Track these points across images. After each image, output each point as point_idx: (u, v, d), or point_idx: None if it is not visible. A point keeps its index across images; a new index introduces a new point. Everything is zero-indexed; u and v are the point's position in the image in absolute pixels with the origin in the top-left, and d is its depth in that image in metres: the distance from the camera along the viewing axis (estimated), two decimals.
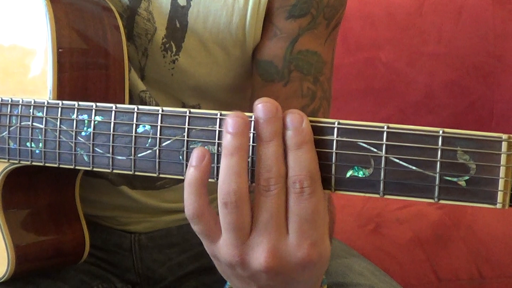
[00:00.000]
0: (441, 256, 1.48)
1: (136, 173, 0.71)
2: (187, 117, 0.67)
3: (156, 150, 0.69)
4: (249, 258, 0.63)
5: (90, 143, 0.74)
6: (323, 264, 0.65)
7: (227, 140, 0.61)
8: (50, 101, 0.79)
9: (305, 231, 0.62)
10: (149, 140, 0.70)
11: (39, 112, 0.79)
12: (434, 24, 1.90)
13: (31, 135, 0.80)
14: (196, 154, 0.63)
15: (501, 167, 0.56)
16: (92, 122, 0.74)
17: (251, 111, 0.64)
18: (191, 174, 0.63)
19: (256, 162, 0.62)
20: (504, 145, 0.56)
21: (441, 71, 1.89)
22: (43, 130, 0.78)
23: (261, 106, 0.62)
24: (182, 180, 1.02)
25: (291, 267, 0.63)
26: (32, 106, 0.80)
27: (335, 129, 0.61)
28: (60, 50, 0.83)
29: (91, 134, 0.74)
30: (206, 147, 0.66)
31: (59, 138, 0.77)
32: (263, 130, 0.61)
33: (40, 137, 0.79)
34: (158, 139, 0.69)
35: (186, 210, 0.63)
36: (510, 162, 0.56)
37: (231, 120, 0.62)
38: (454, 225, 1.55)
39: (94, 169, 0.75)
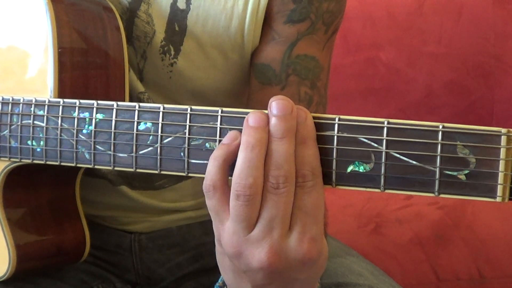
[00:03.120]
0: (441, 256, 1.48)
1: (138, 170, 0.71)
2: (188, 114, 0.67)
3: (157, 147, 0.69)
4: (248, 252, 0.63)
5: (91, 141, 0.74)
6: (321, 263, 0.65)
7: (249, 133, 0.62)
8: (51, 99, 0.79)
9: (306, 226, 0.62)
10: (150, 138, 0.70)
11: (40, 111, 0.79)
12: (434, 24, 1.90)
13: (32, 134, 0.80)
14: (229, 135, 0.64)
15: (500, 161, 0.56)
16: (93, 120, 0.74)
17: None
18: (219, 149, 0.64)
19: (266, 159, 0.62)
20: (503, 139, 0.56)
21: (441, 71, 1.89)
22: (44, 128, 0.78)
23: (275, 104, 0.62)
24: (182, 179, 1.02)
25: (290, 264, 0.62)
26: (33, 105, 0.80)
27: (336, 125, 0.61)
28: (60, 49, 0.83)
29: (92, 132, 0.74)
30: (207, 144, 0.67)
31: (60, 136, 0.77)
32: (276, 127, 0.62)
33: (41, 135, 0.79)
34: (159, 136, 0.69)
35: (204, 181, 0.64)
36: (510, 156, 0.56)
37: (253, 115, 0.63)
38: (454, 225, 1.55)
39: (96, 166, 0.75)
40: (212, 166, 0.63)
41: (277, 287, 0.65)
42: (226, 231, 0.63)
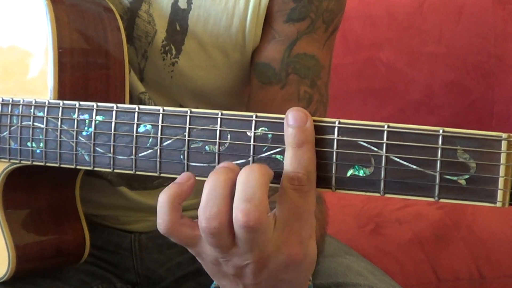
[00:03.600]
0: (441, 256, 1.48)
1: (137, 172, 0.71)
2: (188, 116, 0.67)
3: (157, 149, 0.69)
4: (234, 260, 0.63)
5: (91, 143, 0.74)
6: (308, 265, 0.64)
7: (218, 169, 0.61)
8: (51, 101, 0.79)
9: (294, 229, 0.62)
10: (150, 140, 0.70)
11: (40, 112, 0.79)
12: (434, 24, 1.90)
13: (32, 135, 0.80)
14: (182, 176, 0.63)
15: (501, 166, 0.56)
16: (93, 121, 0.74)
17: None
18: (171, 188, 0.62)
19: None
20: (504, 144, 0.56)
21: (441, 71, 1.89)
22: (44, 130, 0.78)
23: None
24: None
25: (276, 264, 0.62)
26: (33, 106, 0.80)
27: (336, 128, 0.61)
28: (60, 50, 0.83)
29: (92, 133, 0.74)
30: (207, 147, 0.67)
31: (60, 138, 0.77)
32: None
33: (41, 137, 0.79)
34: (159, 138, 0.69)
35: (158, 226, 0.62)
36: (510, 161, 0.56)
37: (225, 162, 0.63)
38: (454, 225, 1.55)
39: (95, 168, 0.75)
40: (163, 208, 0.62)
41: (266, 286, 0.65)
42: (204, 250, 0.63)
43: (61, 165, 0.78)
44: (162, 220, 0.62)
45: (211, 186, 0.60)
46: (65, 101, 0.77)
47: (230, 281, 0.65)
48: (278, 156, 0.64)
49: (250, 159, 0.64)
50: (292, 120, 0.61)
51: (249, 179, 0.59)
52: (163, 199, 0.62)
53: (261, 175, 0.59)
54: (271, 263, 0.62)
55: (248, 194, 0.59)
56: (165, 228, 0.62)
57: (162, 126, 0.69)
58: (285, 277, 0.64)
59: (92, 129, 0.74)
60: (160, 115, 0.69)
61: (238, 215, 0.59)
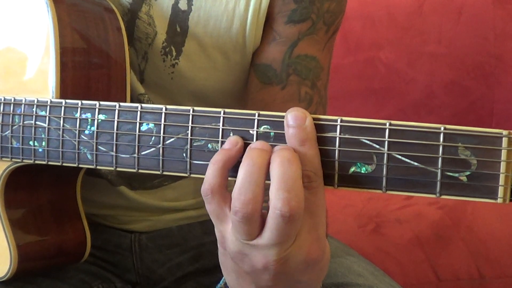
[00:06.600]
0: (441, 256, 1.48)
1: (140, 171, 0.71)
2: (190, 115, 0.68)
3: (159, 148, 0.70)
4: (252, 256, 0.62)
5: (93, 142, 0.74)
6: (324, 263, 0.65)
7: (252, 152, 0.61)
8: (54, 100, 0.79)
9: (312, 226, 0.62)
10: (153, 138, 0.70)
11: (42, 111, 0.79)
12: (434, 24, 1.90)
13: (34, 134, 0.80)
14: (230, 140, 0.64)
15: (501, 163, 0.56)
16: (96, 120, 0.74)
17: None
18: (219, 154, 0.63)
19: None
20: (504, 141, 0.56)
21: (441, 71, 1.89)
22: (46, 129, 0.78)
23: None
24: (181, 177, 1.03)
25: (295, 264, 0.62)
26: (35, 105, 0.80)
27: (338, 126, 0.62)
28: (62, 49, 0.83)
29: (95, 132, 0.74)
30: (209, 145, 0.67)
31: (62, 136, 0.77)
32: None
33: (43, 136, 0.79)
34: (161, 137, 0.69)
35: (203, 185, 0.63)
36: (510, 158, 0.56)
37: (257, 141, 0.63)
38: (454, 225, 1.55)
39: (98, 167, 0.75)
40: (211, 170, 0.63)
41: None
42: (228, 235, 0.63)
43: (64, 164, 0.78)
44: (208, 184, 0.62)
45: (247, 171, 0.60)
46: (67, 100, 0.77)
47: (243, 280, 0.65)
48: None
49: None
50: (292, 120, 0.62)
51: (286, 172, 0.59)
52: (212, 163, 0.63)
53: (298, 168, 0.60)
54: (291, 262, 0.62)
55: (288, 185, 0.59)
56: (207, 188, 0.62)
57: (164, 124, 0.69)
58: (303, 278, 0.64)
59: (94, 128, 0.74)
60: (163, 113, 0.69)
61: (277, 204, 0.59)
